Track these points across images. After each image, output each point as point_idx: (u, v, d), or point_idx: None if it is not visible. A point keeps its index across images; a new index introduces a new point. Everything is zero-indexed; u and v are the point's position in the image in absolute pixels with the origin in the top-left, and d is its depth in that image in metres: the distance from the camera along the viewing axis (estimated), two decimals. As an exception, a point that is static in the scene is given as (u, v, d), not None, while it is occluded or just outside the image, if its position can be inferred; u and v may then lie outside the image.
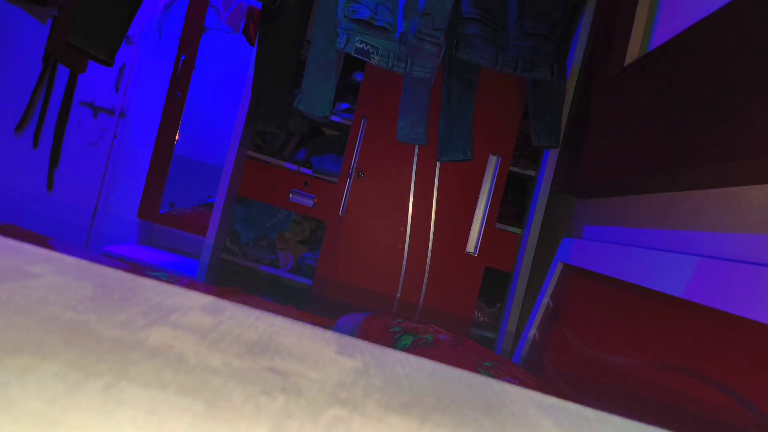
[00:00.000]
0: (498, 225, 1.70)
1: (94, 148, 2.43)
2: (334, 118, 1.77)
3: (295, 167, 1.82)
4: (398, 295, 1.66)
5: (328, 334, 0.35)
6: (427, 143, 1.45)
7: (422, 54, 1.27)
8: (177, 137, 2.41)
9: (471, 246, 1.67)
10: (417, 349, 0.88)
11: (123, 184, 2.45)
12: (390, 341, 0.93)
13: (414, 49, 1.27)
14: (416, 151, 1.67)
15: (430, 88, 1.41)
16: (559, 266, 1.23)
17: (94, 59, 1.19)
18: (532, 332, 1.25)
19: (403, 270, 1.66)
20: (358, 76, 1.88)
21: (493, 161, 1.66)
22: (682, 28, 0.95)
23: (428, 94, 1.41)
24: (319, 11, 1.31)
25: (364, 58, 1.24)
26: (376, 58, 1.23)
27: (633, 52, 1.22)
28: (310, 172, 1.81)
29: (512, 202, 1.87)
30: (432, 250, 1.67)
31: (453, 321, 1.67)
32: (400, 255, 1.67)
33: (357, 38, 1.22)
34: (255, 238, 1.95)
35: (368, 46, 1.22)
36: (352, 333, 1.03)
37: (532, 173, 1.73)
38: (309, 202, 1.79)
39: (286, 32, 1.35)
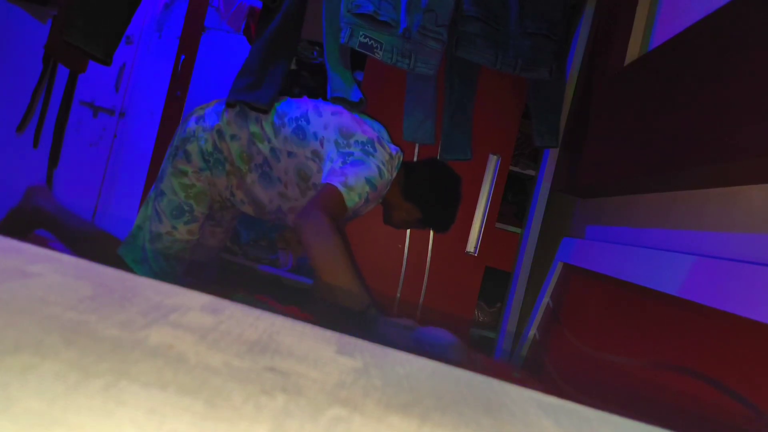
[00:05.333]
0: (498, 225, 1.70)
1: (94, 148, 2.43)
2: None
3: (295, 167, 1.81)
4: (398, 294, 1.66)
5: (328, 334, 0.35)
6: (434, 143, 1.44)
7: (425, 50, 1.27)
8: (177, 137, 2.41)
9: (471, 246, 1.67)
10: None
11: (123, 184, 2.44)
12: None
13: (417, 45, 1.26)
14: (416, 150, 1.67)
15: (435, 85, 1.40)
16: (560, 266, 1.23)
17: (91, 57, 1.19)
18: (532, 332, 1.25)
19: (403, 270, 1.66)
20: (358, 76, 1.88)
21: (493, 161, 1.66)
22: (682, 28, 0.95)
23: (434, 91, 1.39)
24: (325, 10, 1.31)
25: (368, 53, 1.22)
26: (380, 53, 1.23)
27: (633, 52, 1.22)
28: (310, 171, 1.80)
29: (512, 201, 1.87)
30: (432, 250, 1.67)
31: (453, 321, 1.67)
32: (400, 255, 1.67)
33: (361, 33, 1.21)
34: (255, 238, 1.95)
35: (372, 41, 1.21)
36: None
37: (532, 173, 1.73)
38: (309, 202, 1.78)
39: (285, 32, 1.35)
